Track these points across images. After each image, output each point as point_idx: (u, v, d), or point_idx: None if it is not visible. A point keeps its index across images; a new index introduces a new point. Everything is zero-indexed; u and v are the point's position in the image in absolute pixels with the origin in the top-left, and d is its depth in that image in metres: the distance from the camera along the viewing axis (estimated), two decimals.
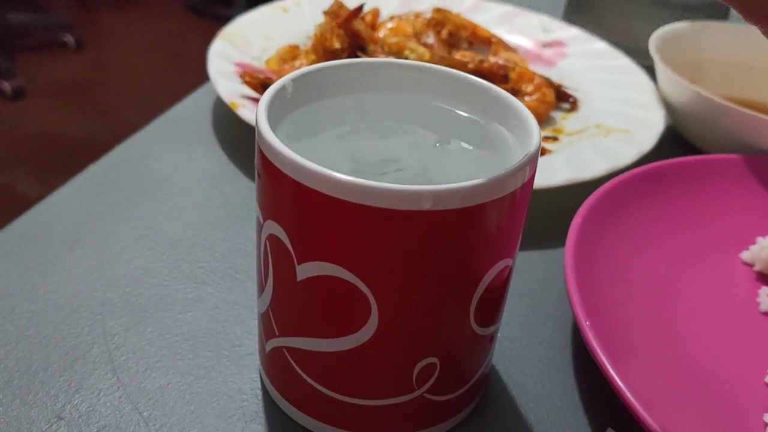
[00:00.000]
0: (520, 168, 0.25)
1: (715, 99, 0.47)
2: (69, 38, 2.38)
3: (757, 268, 0.40)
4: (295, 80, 0.29)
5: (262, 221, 0.27)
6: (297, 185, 0.24)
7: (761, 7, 0.22)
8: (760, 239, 0.41)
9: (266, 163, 0.25)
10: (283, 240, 0.26)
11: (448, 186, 0.23)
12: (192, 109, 0.52)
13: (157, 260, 0.38)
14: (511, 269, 0.28)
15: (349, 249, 0.24)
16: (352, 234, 0.24)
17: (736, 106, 0.46)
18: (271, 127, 0.26)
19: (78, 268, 0.37)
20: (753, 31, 0.59)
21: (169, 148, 0.47)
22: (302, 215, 0.24)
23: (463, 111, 0.31)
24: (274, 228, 0.26)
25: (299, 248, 0.25)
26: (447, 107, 0.31)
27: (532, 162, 0.25)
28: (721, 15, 0.64)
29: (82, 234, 0.39)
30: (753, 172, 0.46)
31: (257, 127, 0.26)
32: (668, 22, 0.61)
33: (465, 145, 0.29)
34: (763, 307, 0.38)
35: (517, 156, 0.28)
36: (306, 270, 0.25)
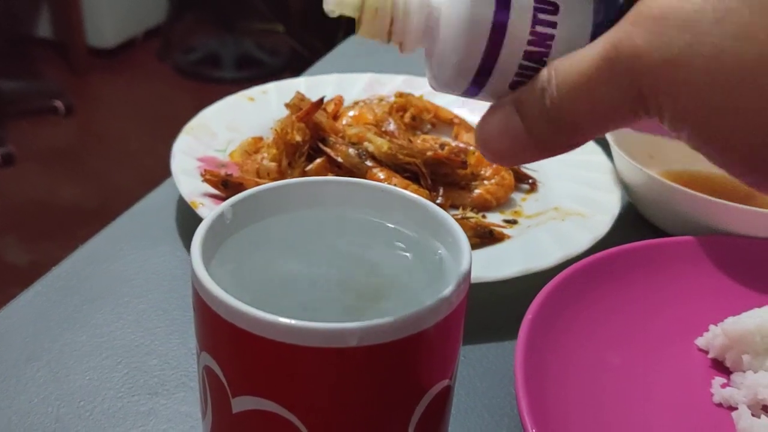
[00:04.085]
0: (448, 297, 0.25)
1: (666, 182, 0.48)
2: (59, 104, 2.41)
3: (711, 355, 0.41)
4: (234, 205, 0.30)
5: (198, 350, 0.27)
6: (227, 324, 0.24)
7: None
8: (712, 326, 0.41)
9: (199, 300, 0.26)
10: (218, 373, 0.26)
11: (373, 322, 0.24)
12: (159, 203, 0.53)
13: (112, 370, 0.38)
14: (450, 388, 0.29)
15: (281, 385, 0.25)
16: (282, 371, 0.24)
17: (686, 189, 0.47)
18: (206, 257, 0.27)
19: (34, 381, 0.37)
20: None
21: (133, 247, 0.48)
22: (233, 352, 0.25)
23: (401, 226, 0.32)
24: (208, 360, 0.26)
25: (233, 382, 0.25)
26: (385, 223, 0.32)
27: (460, 289, 0.26)
28: None
29: (40, 344, 0.39)
30: (707, 253, 0.46)
31: (191, 264, 0.26)
32: None
33: (401, 265, 0.30)
34: (717, 398, 0.38)
35: (453, 276, 0.28)
36: (240, 403, 0.26)
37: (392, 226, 0.32)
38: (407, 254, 0.31)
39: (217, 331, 0.25)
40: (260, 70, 2.61)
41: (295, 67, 1.97)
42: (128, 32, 2.78)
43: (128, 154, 2.21)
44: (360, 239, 0.32)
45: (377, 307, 0.29)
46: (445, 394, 0.28)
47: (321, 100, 0.53)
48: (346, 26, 2.46)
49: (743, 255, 0.46)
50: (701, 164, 0.59)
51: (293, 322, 0.23)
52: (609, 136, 0.53)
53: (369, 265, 0.30)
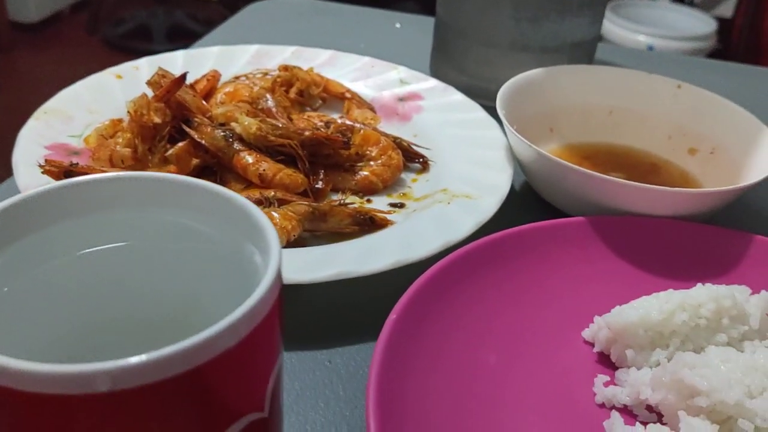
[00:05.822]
0: (233, 324, 0.21)
1: (557, 160, 0.44)
2: None
3: (596, 349, 0.38)
4: None
5: None
6: None
7: None
8: (597, 318, 0.38)
9: None
10: None
11: (129, 361, 0.19)
12: None
13: None
14: (266, 420, 0.24)
15: None
16: (21, 427, 0.20)
17: (578, 167, 0.44)
18: None
19: None
20: (611, 72, 0.57)
21: None
22: None
23: (212, 227, 0.27)
24: None
25: None
26: (193, 224, 0.27)
27: (256, 309, 0.22)
28: (586, 56, 0.62)
29: None
30: (601, 235, 0.43)
31: None
32: (529, 64, 0.58)
33: (211, 282, 0.26)
34: (599, 398, 0.35)
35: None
36: None
37: (202, 228, 0.27)
38: (218, 266, 0.26)
39: None
40: (193, 41, 2.51)
41: None
42: (54, 5, 2.65)
43: None
44: (163, 249, 0.27)
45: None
46: (258, 430, 0.24)
47: (183, 77, 0.47)
48: None
49: (640, 236, 0.43)
50: (604, 136, 0.56)
51: (24, 364, 0.19)
52: (500, 109, 0.49)
53: (172, 287, 0.26)
